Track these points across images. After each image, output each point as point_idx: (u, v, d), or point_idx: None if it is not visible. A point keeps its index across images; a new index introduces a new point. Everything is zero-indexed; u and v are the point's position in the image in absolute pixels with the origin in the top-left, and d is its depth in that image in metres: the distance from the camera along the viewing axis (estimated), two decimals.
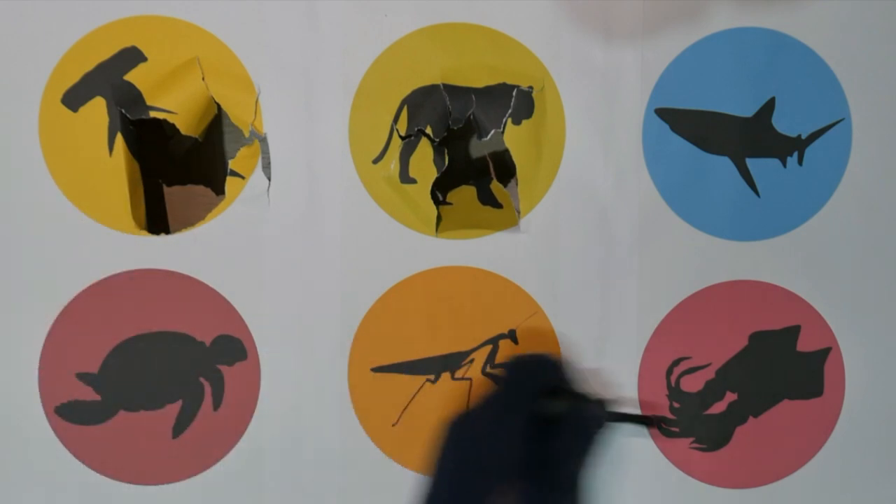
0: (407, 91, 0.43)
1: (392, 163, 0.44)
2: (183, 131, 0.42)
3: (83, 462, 0.43)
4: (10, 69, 0.41)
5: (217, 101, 0.42)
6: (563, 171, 0.45)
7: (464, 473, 0.37)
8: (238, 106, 0.42)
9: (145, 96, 0.41)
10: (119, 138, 0.41)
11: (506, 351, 0.45)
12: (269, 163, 0.43)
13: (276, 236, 0.43)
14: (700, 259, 0.46)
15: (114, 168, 0.42)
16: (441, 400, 0.44)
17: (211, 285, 0.43)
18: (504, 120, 0.43)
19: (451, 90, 0.43)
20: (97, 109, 0.41)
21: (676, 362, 0.46)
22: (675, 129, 0.45)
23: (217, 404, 0.43)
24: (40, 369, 0.42)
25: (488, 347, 0.45)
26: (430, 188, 0.44)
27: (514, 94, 0.43)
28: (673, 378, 0.46)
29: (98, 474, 0.43)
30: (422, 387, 0.44)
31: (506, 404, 0.38)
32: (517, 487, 0.35)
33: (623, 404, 0.42)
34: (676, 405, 0.46)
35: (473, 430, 0.38)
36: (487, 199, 0.48)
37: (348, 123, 0.43)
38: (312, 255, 0.43)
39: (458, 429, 0.40)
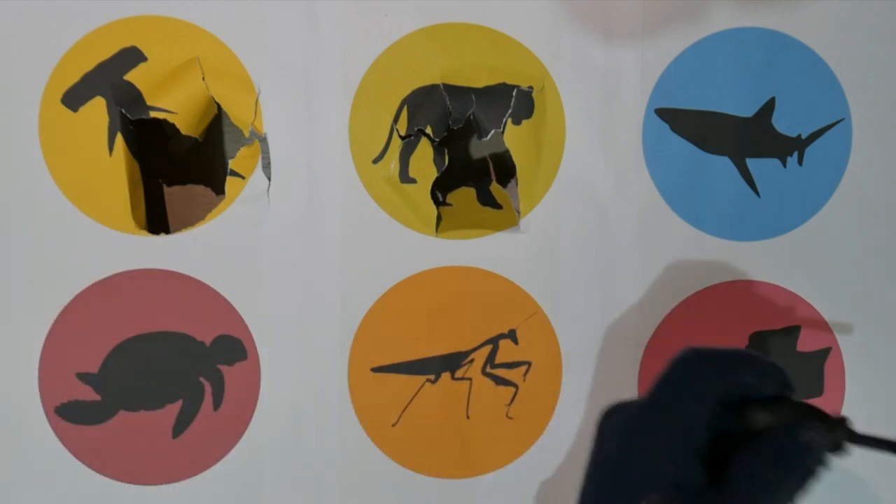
0: (407, 91, 0.43)
1: (392, 163, 0.44)
2: (183, 131, 0.42)
3: (83, 462, 0.43)
4: (10, 69, 0.41)
5: (217, 101, 0.42)
6: (563, 171, 0.45)
7: (621, 474, 0.30)
8: (238, 106, 0.42)
9: (145, 96, 0.41)
10: (119, 138, 0.41)
11: (506, 351, 0.45)
12: (269, 163, 0.43)
13: (276, 236, 0.43)
14: (700, 259, 0.46)
15: (114, 168, 0.42)
16: (441, 400, 0.44)
17: (211, 285, 0.43)
18: (504, 120, 0.43)
19: (451, 90, 0.43)
20: (97, 109, 0.41)
21: None
22: (675, 129, 0.45)
23: (217, 404, 0.43)
24: (40, 369, 0.42)
25: (488, 347, 0.45)
26: (430, 188, 0.44)
27: (514, 94, 0.43)
28: None
29: (98, 474, 0.43)
30: (422, 387, 0.44)
31: (680, 404, 0.30)
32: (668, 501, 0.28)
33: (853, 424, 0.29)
34: None
35: (640, 427, 0.31)
36: (487, 200, 0.48)
37: (348, 123, 0.43)
38: (312, 255, 0.43)
39: (623, 423, 0.32)
